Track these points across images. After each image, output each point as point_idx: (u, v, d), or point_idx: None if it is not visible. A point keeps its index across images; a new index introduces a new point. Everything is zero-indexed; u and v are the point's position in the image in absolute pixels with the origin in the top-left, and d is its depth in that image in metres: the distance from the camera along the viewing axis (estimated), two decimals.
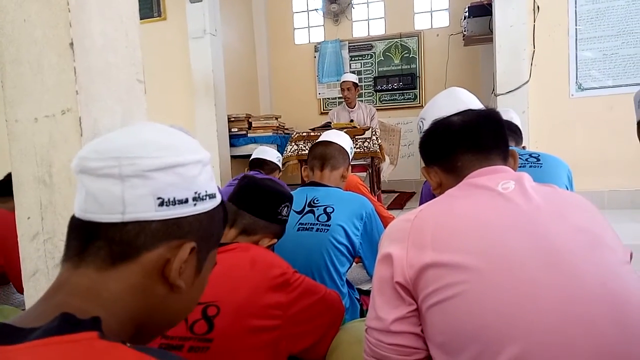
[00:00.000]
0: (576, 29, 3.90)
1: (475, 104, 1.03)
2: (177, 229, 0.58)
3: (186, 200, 0.58)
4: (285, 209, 1.29)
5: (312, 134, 4.08)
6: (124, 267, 0.55)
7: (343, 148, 1.93)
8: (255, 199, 1.27)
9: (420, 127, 1.09)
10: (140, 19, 1.38)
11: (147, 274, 0.56)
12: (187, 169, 0.58)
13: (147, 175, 0.55)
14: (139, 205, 0.55)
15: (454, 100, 1.04)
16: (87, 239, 0.56)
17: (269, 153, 3.15)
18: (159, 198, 0.55)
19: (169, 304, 0.60)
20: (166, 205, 0.56)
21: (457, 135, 0.97)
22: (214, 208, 0.63)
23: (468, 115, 0.98)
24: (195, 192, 0.59)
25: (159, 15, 5.08)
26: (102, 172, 0.54)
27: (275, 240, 1.29)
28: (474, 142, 0.96)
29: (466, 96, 1.05)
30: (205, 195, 0.61)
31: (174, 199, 0.57)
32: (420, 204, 1.75)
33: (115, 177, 0.54)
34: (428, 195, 2.31)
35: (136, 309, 0.56)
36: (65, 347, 0.45)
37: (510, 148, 1.01)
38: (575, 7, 3.89)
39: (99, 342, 0.47)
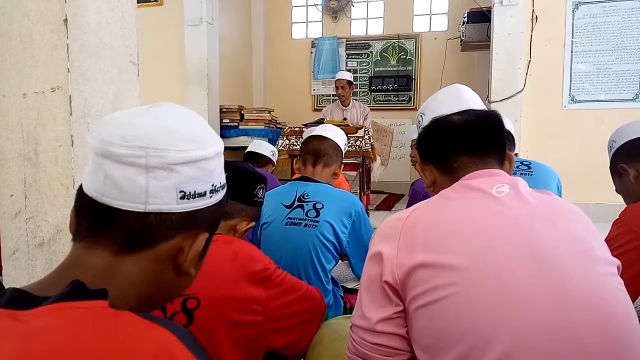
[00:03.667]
0: (572, 41, 3.93)
1: (478, 103, 1.00)
2: (193, 220, 0.59)
3: (204, 193, 0.59)
4: (261, 190, 1.29)
5: (304, 129, 4.07)
6: (139, 254, 0.57)
7: (337, 145, 1.90)
8: (231, 181, 1.26)
9: (419, 122, 1.06)
10: (136, 2, 1.35)
11: (160, 261, 0.58)
12: (209, 162, 0.59)
13: (173, 168, 0.55)
14: (162, 197, 0.56)
15: (456, 97, 1.00)
16: (103, 222, 0.56)
17: (263, 147, 3.15)
18: (181, 191, 0.57)
19: (172, 287, 0.63)
20: (187, 198, 0.57)
21: (455, 137, 0.96)
22: (223, 196, 0.65)
23: (469, 116, 0.96)
24: (212, 185, 0.61)
25: (156, 0, 5.01)
26: (128, 160, 0.54)
27: (253, 223, 1.27)
28: (472, 144, 0.95)
29: (469, 94, 1.02)
30: (220, 187, 0.62)
31: (195, 192, 0.58)
32: (408, 206, 1.74)
33: (141, 167, 0.54)
34: (416, 199, 2.30)
35: (144, 290, 0.58)
36: (76, 312, 0.47)
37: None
38: (573, 19, 3.92)
39: (109, 310, 0.49)
